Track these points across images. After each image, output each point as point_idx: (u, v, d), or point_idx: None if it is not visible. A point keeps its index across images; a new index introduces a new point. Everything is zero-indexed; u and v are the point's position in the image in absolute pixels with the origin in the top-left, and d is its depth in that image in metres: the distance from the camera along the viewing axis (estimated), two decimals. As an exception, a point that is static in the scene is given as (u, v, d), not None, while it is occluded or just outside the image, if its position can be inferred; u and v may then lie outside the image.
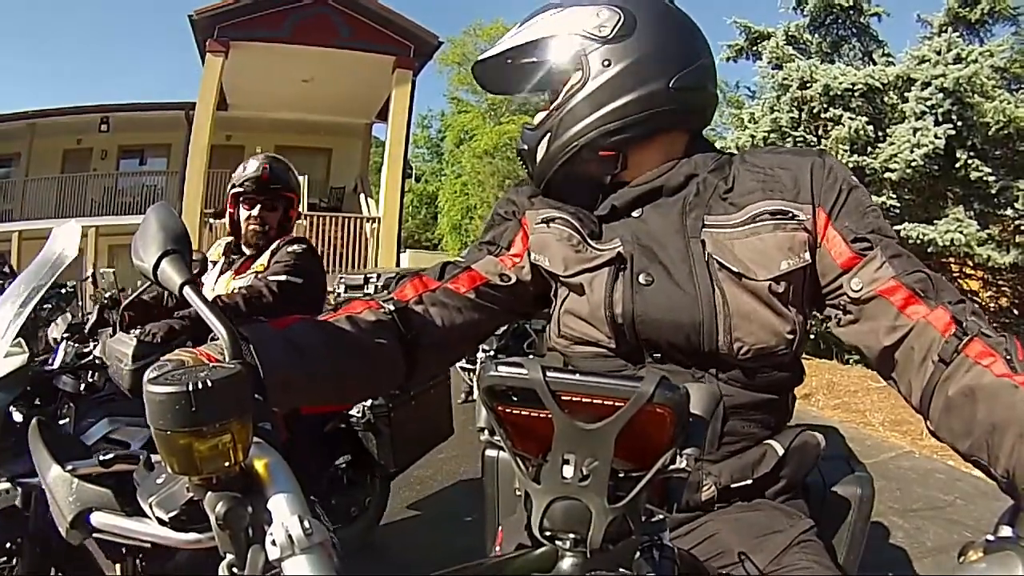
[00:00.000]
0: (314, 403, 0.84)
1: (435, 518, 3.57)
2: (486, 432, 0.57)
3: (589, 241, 1.02)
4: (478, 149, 22.22)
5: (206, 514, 0.52)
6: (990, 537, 0.49)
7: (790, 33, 8.78)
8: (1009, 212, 7.03)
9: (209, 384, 0.50)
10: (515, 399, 0.55)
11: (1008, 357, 0.77)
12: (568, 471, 0.53)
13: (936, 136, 6.66)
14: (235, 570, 0.52)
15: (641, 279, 0.96)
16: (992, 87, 7.12)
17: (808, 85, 7.63)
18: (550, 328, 1.08)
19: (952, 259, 7.43)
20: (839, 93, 7.43)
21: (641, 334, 0.96)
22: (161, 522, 0.55)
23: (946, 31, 7.88)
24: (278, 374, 0.78)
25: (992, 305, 8.04)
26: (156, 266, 0.66)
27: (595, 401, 0.52)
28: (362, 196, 15.20)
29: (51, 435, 0.65)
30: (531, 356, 4.67)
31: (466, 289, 1.06)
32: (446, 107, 28.35)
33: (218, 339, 0.63)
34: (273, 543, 0.50)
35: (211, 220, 11.34)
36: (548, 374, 0.53)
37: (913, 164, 6.74)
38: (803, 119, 7.85)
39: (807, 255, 0.93)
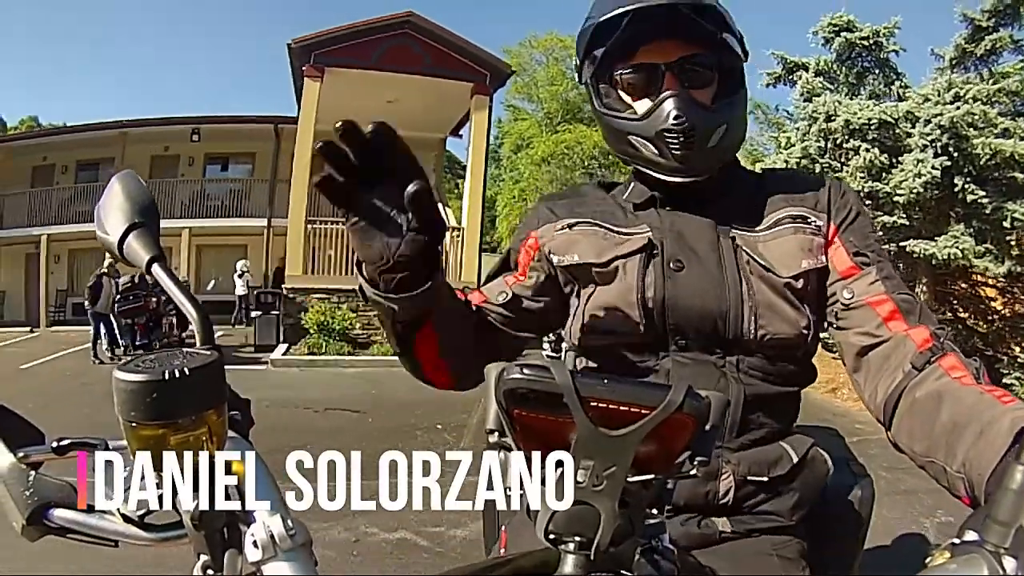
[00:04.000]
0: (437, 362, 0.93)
1: (435, 519, 3.63)
2: (496, 434, 0.53)
3: (617, 231, 0.98)
4: (535, 157, 22.47)
5: (178, 512, 0.46)
6: (955, 540, 0.46)
7: (820, 67, 9.29)
8: (1005, 226, 7.49)
9: (186, 372, 0.43)
10: (533, 402, 0.49)
11: (976, 375, 0.78)
12: (582, 476, 0.50)
13: (933, 167, 7.29)
14: (210, 572, 0.47)
15: (672, 265, 0.94)
16: (994, 116, 7.52)
17: (833, 118, 8.16)
18: (569, 330, 1.02)
19: (972, 269, 7.88)
20: (858, 127, 8.01)
21: (670, 319, 0.93)
22: (128, 520, 0.49)
23: (955, 66, 8.33)
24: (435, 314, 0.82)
25: (1007, 311, 8.42)
26: (122, 240, 0.57)
27: (621, 408, 0.49)
28: (438, 205, 16.13)
29: (3, 419, 0.57)
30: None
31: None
32: (503, 114, 28.60)
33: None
34: (254, 544, 0.44)
35: (313, 225, 12.49)
36: (577, 380, 0.48)
37: (915, 191, 7.38)
38: (828, 148, 8.44)
39: (823, 258, 0.94)
